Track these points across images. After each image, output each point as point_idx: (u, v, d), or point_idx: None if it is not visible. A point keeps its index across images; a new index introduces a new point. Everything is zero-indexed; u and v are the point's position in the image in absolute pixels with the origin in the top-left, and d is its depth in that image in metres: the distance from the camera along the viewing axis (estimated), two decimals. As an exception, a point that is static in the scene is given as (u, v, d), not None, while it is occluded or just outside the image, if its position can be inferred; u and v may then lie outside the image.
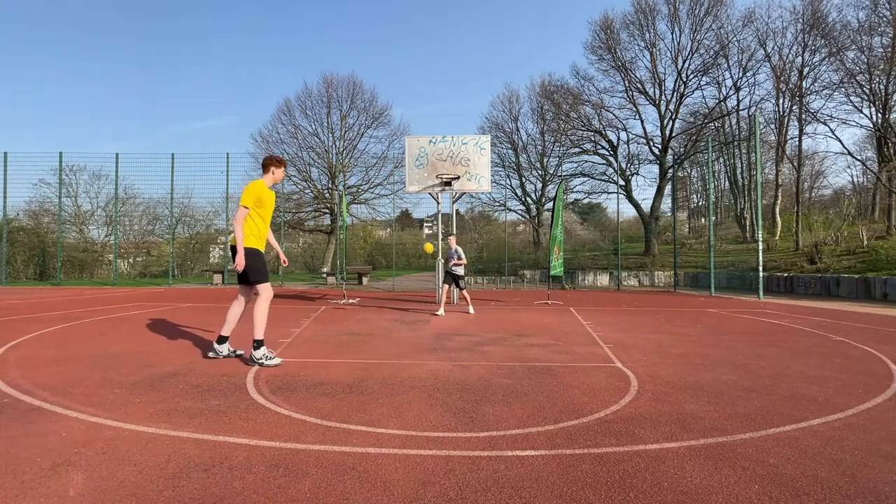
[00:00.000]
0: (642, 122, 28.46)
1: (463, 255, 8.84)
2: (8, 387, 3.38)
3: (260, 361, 4.10)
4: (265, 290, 4.24)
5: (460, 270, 8.79)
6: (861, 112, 20.71)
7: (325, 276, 21.90)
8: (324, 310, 9.12)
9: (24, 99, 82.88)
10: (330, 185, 29.52)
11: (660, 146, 27.77)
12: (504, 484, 1.96)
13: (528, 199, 33.62)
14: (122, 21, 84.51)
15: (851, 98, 20.65)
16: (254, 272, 4.20)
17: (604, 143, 29.90)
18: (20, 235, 23.10)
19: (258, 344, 4.16)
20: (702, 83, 26.95)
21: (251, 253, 4.19)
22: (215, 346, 4.44)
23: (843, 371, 4.06)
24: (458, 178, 10.84)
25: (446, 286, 8.85)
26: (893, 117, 20.51)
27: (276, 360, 4.16)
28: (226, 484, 1.94)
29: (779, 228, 25.26)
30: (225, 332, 4.41)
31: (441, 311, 8.38)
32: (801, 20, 22.42)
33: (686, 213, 38.37)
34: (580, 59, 67.43)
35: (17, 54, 72.98)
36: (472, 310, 8.65)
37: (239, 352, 4.49)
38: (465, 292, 8.91)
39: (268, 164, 4.44)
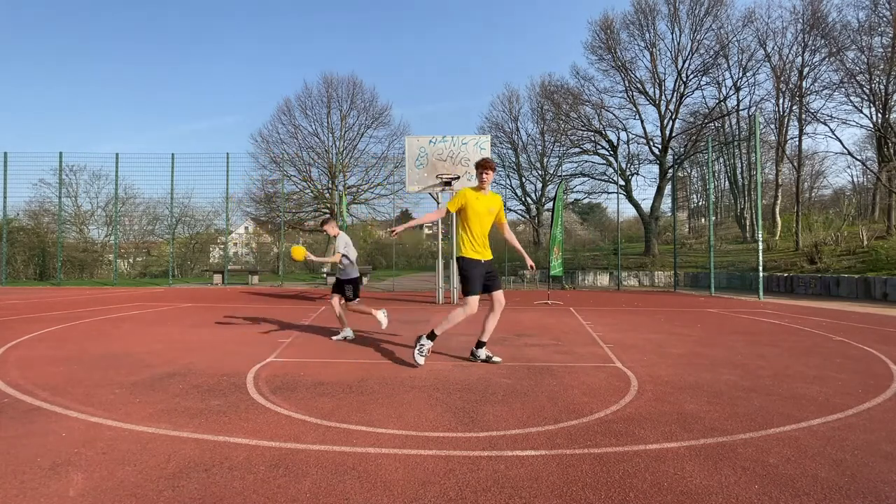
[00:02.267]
0: (642, 122, 28.52)
1: (348, 248, 5.54)
2: (8, 387, 3.38)
3: (417, 349, 4.17)
4: (470, 303, 4.15)
5: (354, 272, 5.59)
6: (861, 112, 20.75)
7: (325, 276, 21.93)
8: (324, 309, 9.12)
9: (24, 99, 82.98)
10: (330, 185, 29.54)
11: (660, 146, 27.78)
12: (504, 484, 1.96)
13: (528, 199, 33.66)
14: (122, 21, 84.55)
15: (851, 98, 20.69)
16: (465, 281, 4.19)
17: (604, 143, 29.93)
18: (20, 235, 23.07)
19: (431, 336, 4.22)
20: (702, 83, 27.01)
21: (468, 263, 4.18)
22: (475, 350, 4.49)
23: (843, 371, 4.06)
24: (459, 178, 10.84)
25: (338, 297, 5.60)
26: (893, 117, 20.52)
27: (422, 359, 4.16)
28: (226, 484, 1.94)
29: (779, 228, 25.26)
30: (483, 338, 4.43)
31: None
32: (801, 20, 22.45)
33: (686, 213, 38.39)
34: (580, 59, 67.63)
35: (17, 53, 73.02)
36: (384, 321, 5.48)
37: (496, 359, 4.44)
38: (356, 306, 5.59)
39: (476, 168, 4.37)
